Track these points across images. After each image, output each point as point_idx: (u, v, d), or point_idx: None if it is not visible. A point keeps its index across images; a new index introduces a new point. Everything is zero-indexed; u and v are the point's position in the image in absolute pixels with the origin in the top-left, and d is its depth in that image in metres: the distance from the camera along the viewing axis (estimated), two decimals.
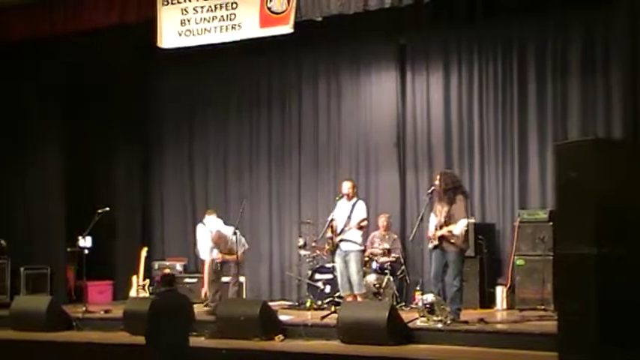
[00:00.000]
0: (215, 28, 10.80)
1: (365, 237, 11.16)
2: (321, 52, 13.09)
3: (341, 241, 10.55)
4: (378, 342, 8.73)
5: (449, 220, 9.32)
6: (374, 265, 11.31)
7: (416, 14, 11.30)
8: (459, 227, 9.28)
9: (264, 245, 13.31)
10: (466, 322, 9.19)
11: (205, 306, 11.07)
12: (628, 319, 7.24)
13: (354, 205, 10.64)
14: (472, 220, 10.87)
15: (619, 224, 7.32)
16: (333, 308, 10.39)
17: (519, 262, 10.85)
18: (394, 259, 11.42)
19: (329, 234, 10.66)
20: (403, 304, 11.09)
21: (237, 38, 10.78)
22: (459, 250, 9.36)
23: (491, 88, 11.89)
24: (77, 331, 10.73)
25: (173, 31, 11.01)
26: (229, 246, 11.04)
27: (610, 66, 10.85)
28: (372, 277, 11.12)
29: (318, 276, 11.55)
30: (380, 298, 10.91)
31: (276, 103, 13.50)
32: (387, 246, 11.49)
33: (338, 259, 10.61)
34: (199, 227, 11.75)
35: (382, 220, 11.79)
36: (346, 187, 10.75)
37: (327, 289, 11.36)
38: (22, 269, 12.43)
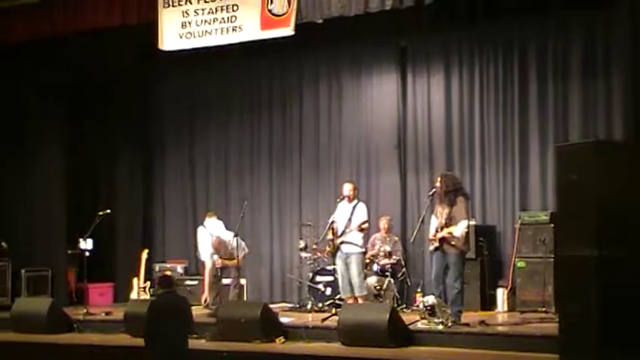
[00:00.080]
0: (216, 30, 10.82)
1: (366, 239, 11.16)
2: (321, 54, 13.09)
3: (342, 243, 10.56)
4: (379, 344, 8.73)
5: (449, 222, 9.33)
6: (375, 267, 11.30)
7: (416, 16, 11.28)
8: (459, 229, 9.29)
9: (264, 247, 13.31)
10: (467, 325, 9.19)
11: (206, 307, 11.06)
12: (629, 321, 7.24)
13: (354, 207, 10.65)
14: (473, 222, 10.87)
15: (620, 226, 7.32)
16: (333, 310, 10.39)
17: (520, 264, 10.84)
18: (395, 261, 11.41)
19: (330, 236, 10.66)
20: (404, 306, 11.07)
21: (238, 40, 10.79)
22: (459, 252, 9.36)
23: (492, 90, 11.89)
24: (78, 333, 10.72)
25: (174, 34, 11.02)
26: (229, 251, 11.04)
27: (611, 67, 10.84)
28: (372, 279, 11.12)
29: (318, 278, 11.55)
30: (381, 300, 10.90)
31: (277, 106, 13.51)
32: (387, 248, 11.48)
33: (339, 261, 10.61)
34: (200, 230, 11.74)
35: (383, 223, 11.78)
36: (347, 189, 10.76)
37: (328, 291, 11.35)
38: (23, 271, 12.43)
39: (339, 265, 10.63)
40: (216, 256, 11.15)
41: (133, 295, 12.12)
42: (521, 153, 11.56)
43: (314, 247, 11.71)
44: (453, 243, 9.30)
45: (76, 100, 13.43)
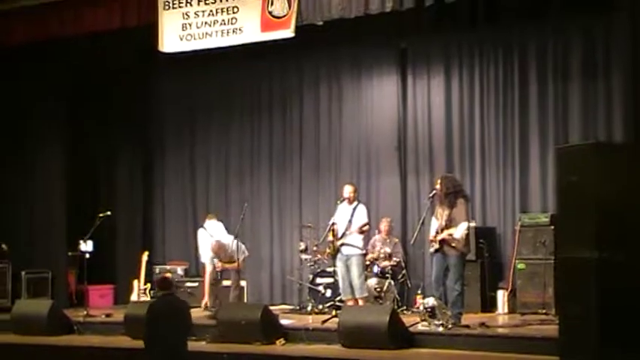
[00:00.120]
0: (216, 32, 10.82)
1: (366, 241, 11.16)
2: (322, 56, 13.09)
3: (342, 245, 10.56)
4: (379, 346, 8.73)
5: (450, 224, 9.33)
6: (375, 269, 11.30)
7: (417, 18, 11.28)
8: (459, 231, 9.29)
9: (265, 249, 13.31)
10: (467, 326, 9.19)
11: (205, 310, 11.05)
12: (629, 323, 7.24)
13: (354, 209, 10.66)
14: (473, 224, 10.86)
15: (620, 228, 7.32)
16: (334, 312, 10.39)
17: (520, 265, 10.84)
18: (395, 263, 11.41)
19: (330, 238, 10.66)
20: (404, 308, 11.07)
21: (239, 42, 10.80)
22: (460, 254, 9.36)
23: (492, 92, 11.89)
24: (78, 335, 10.72)
25: (174, 35, 11.03)
26: (229, 254, 11.03)
27: (611, 69, 10.85)
28: (373, 281, 11.11)
29: (319, 280, 11.54)
30: (381, 302, 10.90)
31: (277, 107, 13.51)
32: (388, 250, 11.48)
33: (339, 263, 10.61)
34: (200, 231, 11.74)
35: (384, 225, 11.77)
36: (347, 190, 10.76)
37: (328, 293, 11.35)
38: (23, 273, 12.44)
39: (339, 267, 10.64)
40: (216, 260, 11.14)
41: (134, 297, 12.13)
42: (521, 155, 11.56)
43: (314, 248, 11.70)
44: (453, 245, 9.31)
45: (77, 102, 13.45)
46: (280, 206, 13.38)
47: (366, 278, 10.89)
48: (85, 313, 11.26)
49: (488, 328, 9.26)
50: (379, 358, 8.51)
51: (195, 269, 13.31)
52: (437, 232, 9.43)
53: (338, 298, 11.01)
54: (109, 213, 12.05)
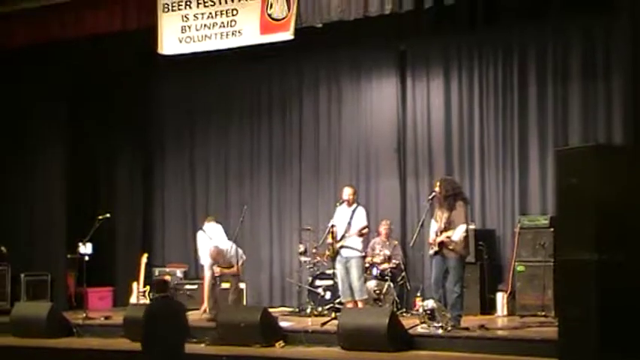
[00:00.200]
0: (215, 34, 10.82)
1: (365, 243, 11.16)
2: (321, 59, 13.10)
3: (341, 247, 10.56)
4: (379, 348, 8.72)
5: (449, 226, 9.33)
6: (374, 271, 11.29)
7: (416, 20, 11.26)
8: (457, 233, 9.29)
9: (264, 252, 13.31)
10: (467, 329, 9.18)
11: (204, 312, 11.03)
12: (629, 325, 7.23)
13: (354, 211, 10.67)
14: (472, 226, 10.87)
15: (620, 230, 7.32)
16: (333, 315, 10.39)
17: (520, 268, 10.84)
18: (395, 265, 11.41)
19: (329, 240, 10.66)
20: (404, 310, 11.07)
21: (238, 45, 10.80)
22: (459, 257, 9.36)
23: (491, 94, 11.89)
24: (77, 337, 10.71)
25: (174, 38, 11.03)
26: (228, 260, 11.02)
27: (611, 71, 10.85)
28: (372, 284, 11.10)
29: (318, 282, 11.53)
30: (380, 304, 10.89)
31: (277, 110, 13.51)
32: (387, 252, 11.48)
33: (339, 265, 10.61)
34: (199, 234, 11.74)
35: (383, 227, 11.77)
36: (347, 193, 10.77)
37: (328, 295, 11.34)
38: (22, 275, 12.44)
39: (338, 269, 10.63)
40: (214, 266, 11.11)
41: (133, 300, 12.12)
42: (520, 157, 11.56)
43: (313, 251, 11.70)
44: (451, 247, 9.30)
45: (77, 104, 13.45)
46: (280, 209, 13.38)
47: (365, 281, 10.89)
48: (85, 315, 11.25)
49: (488, 330, 9.25)
50: None
51: (194, 272, 13.30)
52: (436, 235, 9.43)
53: (337, 301, 11.00)
54: (108, 215, 12.03)
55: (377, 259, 11.43)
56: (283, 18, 10.42)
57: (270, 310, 10.54)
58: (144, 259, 12.28)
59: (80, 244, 11.73)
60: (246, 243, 12.87)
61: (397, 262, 11.49)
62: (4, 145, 13.12)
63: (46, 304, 11.39)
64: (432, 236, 9.55)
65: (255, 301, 12.71)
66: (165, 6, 11.03)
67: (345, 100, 13.01)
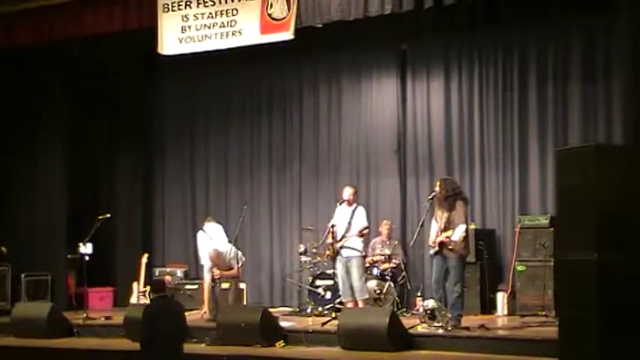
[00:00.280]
0: (215, 34, 10.83)
1: (366, 243, 11.16)
2: (321, 59, 13.10)
3: (342, 247, 10.56)
4: (379, 348, 8.73)
5: (448, 226, 9.34)
6: (375, 271, 11.29)
7: (416, 20, 11.29)
8: (457, 233, 9.30)
9: (264, 252, 13.31)
10: (467, 328, 9.19)
11: (204, 314, 11.02)
12: (629, 325, 7.23)
13: (354, 211, 10.68)
14: (472, 226, 10.87)
15: (620, 230, 7.32)
16: (333, 314, 10.39)
17: (520, 267, 10.84)
18: (395, 265, 11.41)
19: (329, 240, 10.66)
20: (404, 310, 11.07)
21: (238, 45, 10.81)
22: (459, 257, 9.37)
23: (491, 94, 11.89)
24: (78, 337, 10.74)
25: (174, 38, 11.04)
26: (227, 263, 11.01)
27: (611, 71, 10.85)
28: (373, 284, 11.10)
29: (318, 282, 11.53)
30: (381, 304, 10.89)
31: (277, 110, 13.51)
32: (388, 252, 11.49)
33: (339, 265, 10.62)
34: (200, 234, 11.74)
35: (384, 227, 11.77)
36: (347, 193, 10.78)
37: (328, 295, 11.34)
38: (22, 276, 12.45)
39: (339, 269, 10.64)
40: (214, 269, 11.09)
41: (133, 300, 12.12)
42: (520, 157, 11.55)
43: (314, 251, 11.70)
44: (451, 247, 9.31)
45: (77, 105, 13.44)
46: (280, 209, 13.38)
47: (366, 280, 10.89)
48: (85, 315, 11.26)
49: (488, 330, 9.26)
50: None
51: (194, 272, 13.29)
52: (437, 235, 9.44)
53: (338, 301, 11.00)
54: (108, 215, 12.05)
55: (377, 259, 11.43)
56: (283, 18, 10.43)
57: (271, 310, 10.56)
58: (144, 259, 12.27)
59: (80, 244, 11.75)
60: (247, 243, 12.90)
61: (397, 261, 11.50)
62: (5, 145, 13.13)
63: (47, 305, 11.39)
64: (432, 236, 9.55)
65: (255, 301, 12.71)
66: (166, 6, 11.04)
67: (345, 100, 13.00)
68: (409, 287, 11.51)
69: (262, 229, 13.37)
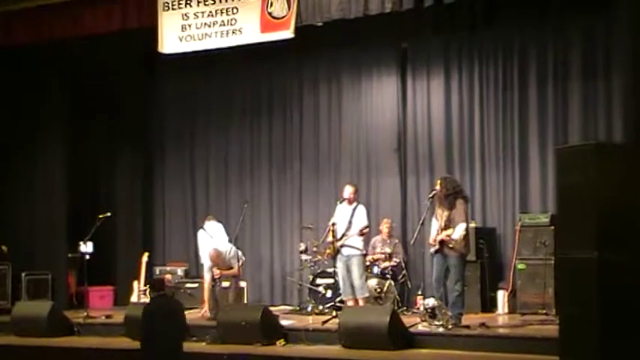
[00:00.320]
0: (216, 33, 10.83)
1: (366, 242, 11.17)
2: (321, 57, 13.09)
3: (342, 246, 10.56)
4: (380, 347, 8.73)
5: (449, 225, 9.34)
6: (375, 269, 11.30)
7: (416, 19, 11.30)
8: (457, 232, 9.30)
9: (265, 250, 13.32)
10: (468, 327, 9.19)
11: (205, 313, 11.02)
12: (629, 323, 7.24)
13: (354, 210, 10.68)
14: (473, 225, 10.87)
15: (620, 228, 7.32)
16: (334, 313, 10.39)
17: (520, 266, 10.84)
18: (395, 263, 11.41)
19: (330, 239, 10.66)
20: (405, 308, 11.07)
21: (238, 43, 10.81)
22: (459, 255, 9.37)
23: (491, 93, 11.89)
24: (78, 336, 10.73)
25: (174, 36, 11.04)
26: (227, 262, 11.01)
27: (611, 70, 10.85)
28: (373, 282, 11.10)
29: (319, 281, 11.54)
30: (381, 302, 10.90)
31: (277, 109, 13.51)
32: (388, 250, 11.49)
33: (339, 263, 10.62)
34: (200, 233, 11.74)
35: (384, 226, 11.77)
36: (348, 191, 10.78)
37: (329, 293, 11.35)
38: (23, 275, 12.44)
39: (339, 267, 10.64)
40: (214, 268, 11.09)
41: (134, 299, 12.13)
42: (521, 155, 11.56)
43: (314, 249, 11.71)
44: (451, 246, 9.31)
45: (77, 103, 13.44)
46: (280, 207, 13.38)
47: (366, 279, 10.89)
48: (85, 314, 11.26)
49: (489, 328, 9.26)
50: (379, 358, 8.51)
51: (195, 270, 13.30)
52: (437, 233, 9.44)
53: (338, 299, 11.01)
54: (109, 214, 12.05)
55: (378, 258, 11.43)
56: (284, 16, 10.43)
57: (271, 308, 10.56)
58: (144, 257, 12.27)
59: (81, 243, 11.75)
60: (247, 242, 12.91)
61: (398, 260, 11.50)
62: (4, 144, 13.13)
63: (47, 304, 11.38)
64: (432, 234, 9.55)
65: (256, 300, 12.72)
66: (166, 4, 11.03)
67: (345, 98, 13.00)
68: (410, 286, 11.51)
69: (263, 228, 13.38)
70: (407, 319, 9.65)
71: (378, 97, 12.70)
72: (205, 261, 11.21)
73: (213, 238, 11.38)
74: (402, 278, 11.41)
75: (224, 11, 10.76)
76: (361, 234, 10.65)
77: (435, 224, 9.56)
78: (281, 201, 13.38)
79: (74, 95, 13.39)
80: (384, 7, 10.03)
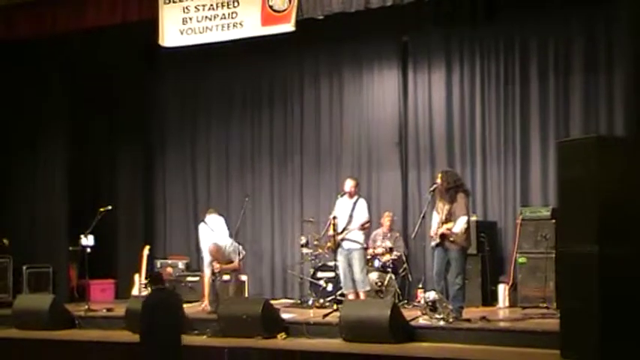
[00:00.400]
0: (216, 26, 10.82)
1: (367, 235, 11.16)
2: (322, 51, 13.07)
3: (343, 239, 10.56)
4: (381, 340, 8.73)
5: (450, 218, 9.34)
6: (376, 263, 11.30)
7: (417, 12, 11.28)
8: (458, 225, 9.30)
9: (266, 244, 13.33)
10: (468, 320, 9.19)
11: (205, 307, 11.03)
12: (630, 317, 7.24)
13: (355, 203, 10.68)
14: (474, 218, 10.87)
15: (621, 222, 7.32)
16: (335, 306, 10.40)
17: (521, 259, 10.83)
18: (396, 257, 11.42)
19: (331, 232, 10.66)
20: (405, 302, 11.08)
21: (239, 37, 10.80)
22: (460, 248, 9.37)
23: (493, 86, 11.87)
24: (79, 329, 10.74)
25: (175, 30, 11.02)
26: (227, 257, 11.01)
27: (612, 63, 10.84)
28: (374, 276, 11.11)
29: (320, 274, 11.52)
30: (382, 296, 10.91)
31: (278, 102, 13.50)
32: (389, 244, 11.49)
33: (340, 257, 10.62)
34: (201, 226, 11.75)
35: (386, 220, 11.76)
36: (349, 185, 10.77)
37: (329, 287, 11.34)
38: (24, 268, 12.45)
39: (340, 261, 10.64)
40: (214, 262, 11.10)
41: (135, 292, 12.15)
42: (522, 149, 11.55)
43: (315, 243, 11.70)
44: (452, 239, 9.31)
45: (78, 97, 13.43)
46: (281, 201, 13.38)
47: (367, 272, 10.89)
48: (87, 307, 11.28)
49: (489, 322, 9.26)
50: (380, 352, 8.50)
51: (196, 264, 13.31)
52: (438, 227, 9.44)
53: (339, 292, 11.01)
54: (110, 207, 12.05)
55: (379, 251, 11.43)
56: (284, 10, 10.42)
57: (272, 302, 10.55)
58: (146, 251, 12.28)
59: (82, 236, 11.75)
60: (248, 235, 12.91)
61: (399, 253, 11.51)
62: (7, 137, 13.13)
63: (48, 297, 11.40)
64: (433, 228, 9.55)
65: (256, 293, 12.73)
66: None
67: (346, 92, 12.99)
68: (410, 279, 11.52)
69: (264, 222, 13.38)
70: (408, 313, 9.65)
71: (379, 91, 12.69)
72: (205, 255, 11.21)
73: (214, 232, 11.38)
74: (402, 272, 11.42)
75: (225, 4, 10.75)
76: (362, 228, 10.64)
77: (436, 218, 9.56)
78: (282, 194, 13.38)
79: (75, 89, 13.38)
80: (385, 0, 10.00)
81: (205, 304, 11.02)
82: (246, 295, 12.20)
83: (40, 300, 11.24)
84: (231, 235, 11.29)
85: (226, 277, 11.25)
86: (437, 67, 12.21)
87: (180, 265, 13.32)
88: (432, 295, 9.27)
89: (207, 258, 11.10)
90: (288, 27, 10.45)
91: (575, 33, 11.27)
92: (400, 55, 12.47)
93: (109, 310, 11.40)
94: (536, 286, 10.60)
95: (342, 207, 10.74)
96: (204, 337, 9.60)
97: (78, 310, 11.27)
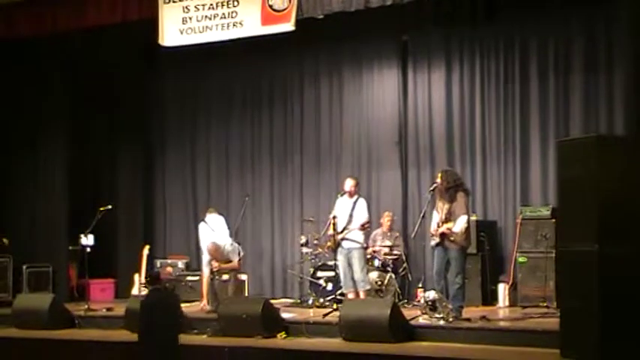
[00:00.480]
0: (216, 25, 10.82)
1: (367, 235, 11.16)
2: (322, 50, 13.08)
3: (343, 239, 10.56)
4: (380, 339, 8.72)
5: (450, 218, 9.33)
6: (376, 262, 11.31)
7: (417, 11, 11.29)
8: (458, 224, 9.29)
9: (266, 243, 13.33)
10: (468, 320, 9.19)
11: (204, 307, 11.03)
12: (630, 316, 7.24)
13: (355, 203, 10.68)
14: (474, 217, 10.87)
15: (621, 221, 7.31)
16: (335, 306, 10.41)
17: (521, 259, 10.84)
18: (396, 256, 11.43)
19: (330, 232, 10.66)
20: (405, 301, 11.09)
21: (239, 36, 10.80)
22: (460, 248, 9.36)
23: (492, 85, 11.88)
24: (79, 329, 10.73)
25: (174, 29, 11.03)
26: (225, 256, 11.01)
27: (612, 62, 10.84)
28: (374, 275, 11.11)
29: (320, 274, 11.53)
30: (382, 295, 10.91)
31: (278, 102, 13.51)
32: (389, 243, 11.49)
33: (340, 257, 10.62)
34: (201, 225, 11.74)
35: (386, 219, 11.77)
36: (349, 184, 10.77)
37: (329, 286, 11.34)
38: (24, 267, 12.45)
39: (340, 260, 10.64)
40: (213, 262, 11.09)
41: (134, 291, 12.12)
42: (522, 148, 11.55)
43: (315, 242, 11.71)
44: (452, 239, 9.31)
45: (79, 97, 13.43)
46: (281, 200, 13.39)
47: (367, 272, 10.88)
48: (86, 307, 11.27)
49: (489, 321, 9.25)
50: (380, 351, 8.49)
51: (196, 263, 13.30)
52: (438, 226, 9.44)
53: (339, 292, 11.01)
54: (109, 207, 12.04)
55: (378, 251, 11.43)
56: (284, 9, 10.42)
57: (272, 301, 10.54)
58: (145, 250, 12.26)
59: (82, 235, 11.75)
60: (248, 235, 12.92)
61: (399, 253, 11.51)
62: (8, 136, 13.13)
63: (48, 296, 11.39)
64: (433, 227, 9.55)
65: (256, 293, 12.73)
66: None
67: (346, 91, 13.00)
68: (410, 278, 11.52)
69: (264, 221, 13.39)
70: (407, 312, 9.65)
71: (379, 90, 12.69)
72: (204, 256, 11.21)
73: (214, 231, 11.38)
74: (402, 271, 11.42)
75: (225, 4, 10.75)
76: (362, 229, 10.64)
77: (436, 217, 9.55)
78: (282, 194, 13.38)
79: (75, 88, 13.38)
80: None
81: (204, 304, 11.02)
82: (247, 294, 12.19)
83: (39, 299, 11.23)
84: (231, 235, 11.29)
85: (225, 277, 11.26)
86: (437, 66, 12.22)
87: (180, 264, 13.32)
88: (431, 294, 9.27)
89: (205, 257, 11.09)
90: (288, 26, 10.45)
91: (575, 33, 11.27)
92: (400, 54, 12.47)
93: (108, 309, 11.39)
94: (536, 286, 10.60)
95: (342, 206, 10.75)
96: (205, 336, 9.60)
97: (78, 309, 11.26)
